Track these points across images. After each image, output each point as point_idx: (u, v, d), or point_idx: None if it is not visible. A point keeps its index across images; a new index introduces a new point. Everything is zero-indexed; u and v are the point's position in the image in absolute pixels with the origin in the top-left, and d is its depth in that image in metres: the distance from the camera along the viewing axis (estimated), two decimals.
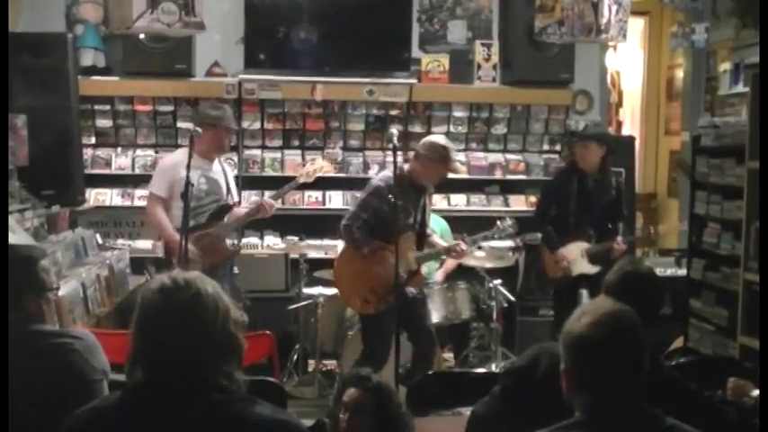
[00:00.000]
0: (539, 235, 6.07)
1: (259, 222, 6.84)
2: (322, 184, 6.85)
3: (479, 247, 5.72)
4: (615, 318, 2.15)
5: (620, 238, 5.60)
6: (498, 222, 5.31)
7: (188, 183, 4.61)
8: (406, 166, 5.14)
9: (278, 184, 6.84)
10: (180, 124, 6.48)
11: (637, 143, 7.72)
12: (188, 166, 4.68)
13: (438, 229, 5.83)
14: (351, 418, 3.18)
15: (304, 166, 5.86)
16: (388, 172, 5.08)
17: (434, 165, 5.02)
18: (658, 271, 6.60)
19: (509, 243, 6.76)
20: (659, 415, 2.15)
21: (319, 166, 5.55)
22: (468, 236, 5.40)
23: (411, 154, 5.32)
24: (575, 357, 2.15)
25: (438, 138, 5.25)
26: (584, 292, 5.60)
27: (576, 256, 5.60)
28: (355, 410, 3.19)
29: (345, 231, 5.09)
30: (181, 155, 5.11)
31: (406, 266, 5.00)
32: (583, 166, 5.72)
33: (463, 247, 5.21)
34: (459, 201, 7.02)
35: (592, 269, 5.57)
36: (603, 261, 5.46)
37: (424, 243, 5.26)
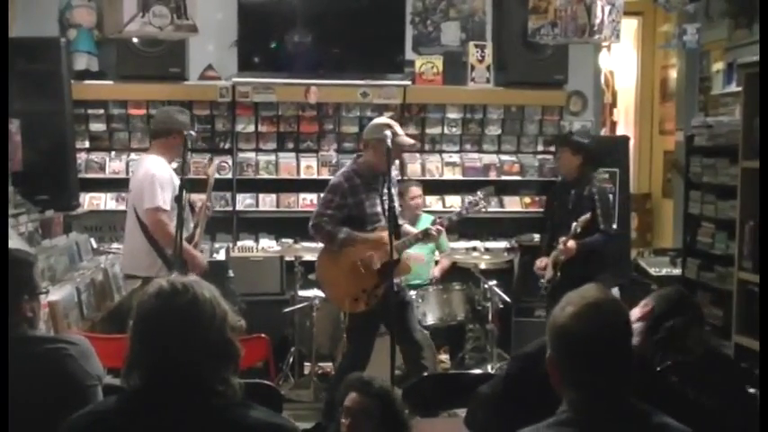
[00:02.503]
0: (534, 236, 6.10)
1: (254, 225, 6.89)
2: (317, 186, 6.86)
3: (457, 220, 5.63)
4: (597, 309, 2.09)
5: (562, 239, 5.43)
6: (470, 196, 5.29)
7: (182, 187, 4.61)
8: (361, 159, 5.11)
9: (273, 186, 6.87)
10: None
11: (631, 143, 7.73)
12: (182, 169, 4.70)
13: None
14: (353, 422, 3.18)
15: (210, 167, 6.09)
16: (346, 167, 5.15)
17: (383, 144, 4.85)
18: (653, 271, 6.68)
19: (504, 244, 6.78)
20: (647, 412, 2.11)
21: (212, 168, 5.93)
22: (462, 237, 5.37)
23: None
24: (557, 347, 2.11)
25: (378, 119, 5.17)
26: None
27: (548, 264, 5.59)
28: (358, 415, 3.19)
29: (315, 230, 5.04)
30: (165, 164, 5.03)
31: (385, 257, 4.94)
32: (561, 173, 5.72)
33: (439, 228, 5.14)
34: (453, 202, 7.02)
35: (550, 274, 5.54)
36: (567, 266, 5.43)
37: (400, 232, 5.19)
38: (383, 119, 5.19)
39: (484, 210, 5.34)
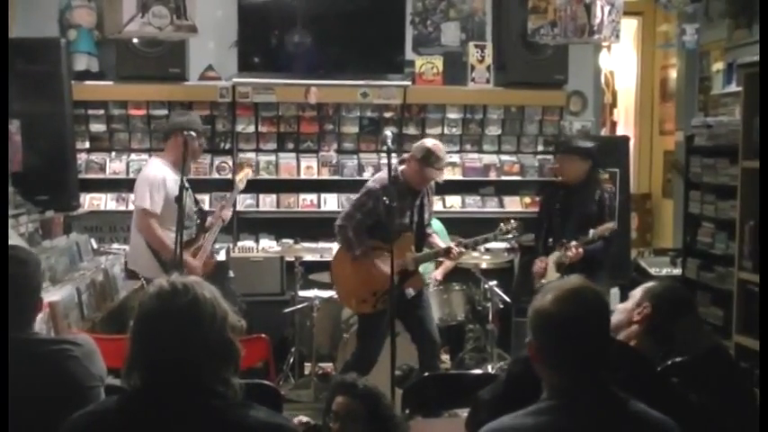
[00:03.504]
0: (532, 235, 6.08)
1: (254, 225, 6.88)
2: (317, 186, 6.88)
3: (474, 249, 5.69)
4: (576, 294, 2.18)
5: (573, 244, 5.35)
6: (502, 224, 5.30)
7: (182, 186, 4.60)
8: (401, 168, 5.15)
9: (273, 187, 6.87)
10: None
11: (631, 143, 7.73)
12: (182, 170, 4.70)
13: (432, 230, 5.82)
14: (342, 426, 3.17)
15: (237, 173, 5.86)
16: (384, 173, 5.10)
17: (416, 164, 5.00)
18: (653, 271, 6.67)
19: (504, 244, 6.77)
20: (625, 399, 2.17)
21: (246, 172, 5.70)
22: (463, 238, 5.39)
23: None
24: (537, 331, 2.20)
25: (428, 140, 5.21)
26: None
27: (550, 266, 5.56)
28: (346, 418, 3.18)
29: (340, 231, 5.13)
30: (162, 166, 5.02)
31: (402, 266, 5.01)
32: (564, 178, 5.66)
33: (461, 249, 5.22)
34: (454, 202, 7.03)
35: (555, 276, 5.44)
36: (571, 269, 5.39)
37: (423, 244, 5.25)
38: (431, 142, 5.16)
39: (514, 240, 5.38)
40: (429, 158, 4.97)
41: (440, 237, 5.82)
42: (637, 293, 2.99)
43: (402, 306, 4.97)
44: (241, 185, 5.55)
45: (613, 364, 2.22)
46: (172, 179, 4.89)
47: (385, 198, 4.75)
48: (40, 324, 4.00)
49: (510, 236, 5.33)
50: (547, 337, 2.18)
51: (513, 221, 5.30)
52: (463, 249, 5.25)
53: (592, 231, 5.31)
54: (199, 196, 5.54)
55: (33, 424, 2.54)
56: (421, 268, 6.09)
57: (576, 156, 5.57)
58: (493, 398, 2.92)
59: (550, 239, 5.62)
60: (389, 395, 4.13)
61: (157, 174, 4.97)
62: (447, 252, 5.24)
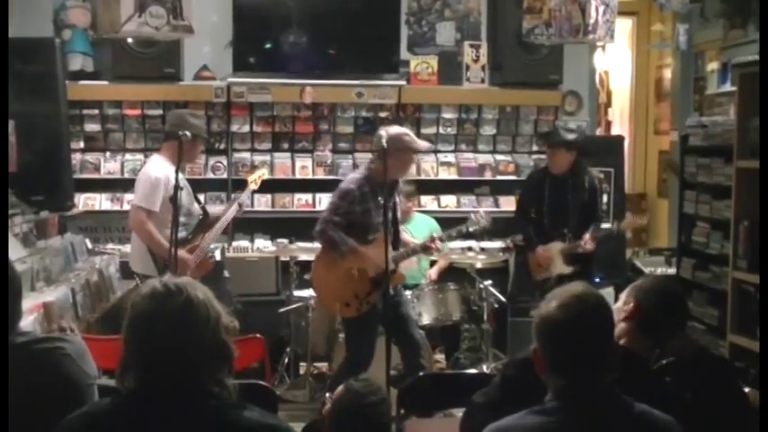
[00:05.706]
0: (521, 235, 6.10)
1: (249, 225, 6.88)
2: (312, 186, 6.88)
3: (456, 239, 5.71)
4: (580, 300, 2.21)
5: (587, 236, 5.41)
6: (471, 215, 5.32)
7: (177, 186, 4.60)
8: (373, 166, 5.06)
9: (268, 187, 6.84)
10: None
11: (626, 143, 7.74)
12: (177, 170, 4.69)
13: (428, 230, 5.82)
14: (329, 413, 3.17)
15: (251, 173, 5.80)
16: (357, 174, 5.13)
17: (403, 154, 4.89)
18: (648, 270, 6.68)
19: (499, 244, 6.78)
20: (629, 401, 2.19)
21: (261, 172, 5.67)
22: (462, 239, 5.41)
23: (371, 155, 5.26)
24: (542, 336, 2.23)
25: (393, 128, 5.07)
26: None
27: (554, 257, 5.55)
28: (335, 408, 3.17)
29: (320, 234, 5.04)
30: (163, 165, 5.01)
31: (381, 266, 4.96)
32: (552, 170, 5.70)
33: (438, 243, 5.19)
34: (449, 202, 7.03)
35: (567, 269, 5.47)
36: (576, 261, 5.42)
37: (399, 242, 5.22)
38: (396, 128, 5.11)
39: (485, 230, 5.39)
40: (412, 140, 4.92)
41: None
42: (624, 292, 3.00)
43: (385, 306, 4.97)
44: (254, 186, 5.54)
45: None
46: (173, 177, 4.88)
47: (358, 195, 4.85)
48: (35, 324, 4.00)
49: (481, 225, 5.32)
50: (553, 342, 2.21)
51: (481, 211, 5.33)
52: (439, 244, 5.22)
53: (615, 224, 5.45)
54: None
55: (32, 424, 2.53)
56: (413, 272, 6.10)
57: (563, 148, 5.63)
58: (487, 401, 2.92)
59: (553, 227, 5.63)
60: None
61: (158, 172, 4.95)
62: (424, 247, 5.19)
